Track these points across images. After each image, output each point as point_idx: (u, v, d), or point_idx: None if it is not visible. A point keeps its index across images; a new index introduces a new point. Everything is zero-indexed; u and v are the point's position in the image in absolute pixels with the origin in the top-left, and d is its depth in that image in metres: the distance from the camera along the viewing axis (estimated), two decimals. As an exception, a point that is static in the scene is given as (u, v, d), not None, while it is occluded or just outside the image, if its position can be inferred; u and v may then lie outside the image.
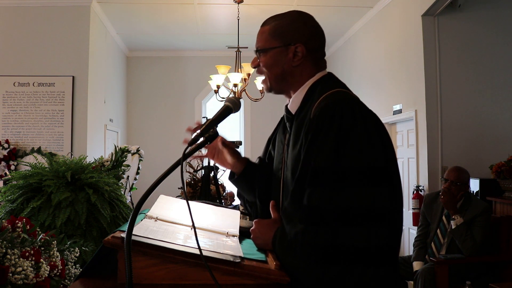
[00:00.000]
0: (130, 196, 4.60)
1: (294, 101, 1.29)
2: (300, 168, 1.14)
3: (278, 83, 1.30)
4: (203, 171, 4.17)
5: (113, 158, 2.95)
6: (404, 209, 4.69)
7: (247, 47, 5.91)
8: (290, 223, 1.12)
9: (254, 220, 1.27)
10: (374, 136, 1.09)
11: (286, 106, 1.32)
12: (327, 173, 1.07)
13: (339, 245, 1.03)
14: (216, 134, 1.08)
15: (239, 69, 5.27)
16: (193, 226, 1.01)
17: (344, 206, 1.04)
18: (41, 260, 1.57)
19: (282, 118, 1.39)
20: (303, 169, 1.13)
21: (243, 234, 1.31)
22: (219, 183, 4.79)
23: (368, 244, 1.03)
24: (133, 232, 0.95)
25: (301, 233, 1.06)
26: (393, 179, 1.10)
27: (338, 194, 1.05)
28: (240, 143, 3.92)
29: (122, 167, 2.94)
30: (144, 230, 1.08)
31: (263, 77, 1.33)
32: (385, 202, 1.06)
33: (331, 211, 1.05)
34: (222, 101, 4.94)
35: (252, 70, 5.04)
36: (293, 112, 1.29)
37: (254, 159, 1.55)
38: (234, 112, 1.17)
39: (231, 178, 1.49)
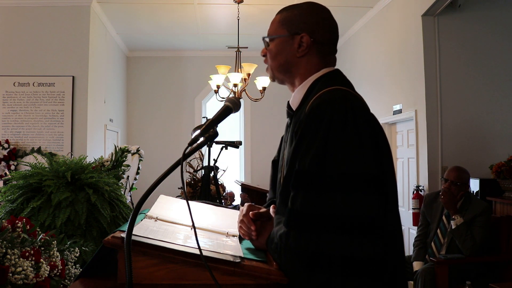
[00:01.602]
0: (130, 196, 4.61)
1: (295, 97, 1.26)
2: (287, 168, 1.12)
3: (280, 73, 1.27)
4: (203, 171, 4.17)
5: (113, 158, 2.95)
6: (404, 209, 4.67)
7: (247, 47, 5.91)
8: (279, 224, 1.10)
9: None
10: (366, 141, 1.04)
11: (288, 102, 1.29)
12: (311, 177, 1.03)
13: (319, 252, 0.99)
14: (216, 134, 1.07)
15: (239, 69, 5.27)
16: (193, 226, 1.01)
17: (326, 212, 1.00)
18: (41, 260, 1.57)
19: None
20: (289, 170, 1.10)
21: (243, 234, 1.30)
22: (219, 183, 4.79)
23: (350, 254, 0.98)
24: (133, 232, 0.95)
25: (284, 237, 1.04)
26: (385, 188, 1.05)
27: (321, 199, 1.01)
28: (240, 143, 3.92)
29: (122, 167, 2.94)
30: (144, 230, 1.08)
31: (266, 69, 1.32)
32: (372, 211, 1.00)
33: (313, 216, 1.01)
34: (222, 101, 4.94)
35: (252, 70, 5.04)
36: (293, 108, 1.26)
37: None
38: (234, 112, 1.16)
39: None
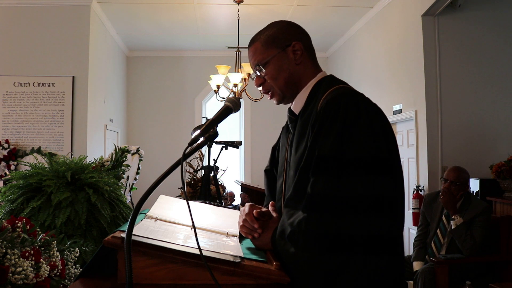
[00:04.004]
0: (130, 196, 4.60)
1: (297, 102, 1.29)
2: (305, 158, 1.15)
3: (289, 88, 1.29)
4: (203, 171, 4.17)
5: (113, 158, 2.95)
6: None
7: (247, 47, 5.91)
8: (293, 215, 1.12)
9: None
10: (377, 128, 1.11)
11: (289, 108, 1.32)
12: (331, 162, 1.08)
13: (341, 234, 1.03)
14: (216, 134, 1.07)
15: (239, 69, 5.27)
16: (193, 226, 1.01)
17: (347, 194, 1.05)
18: (41, 260, 1.57)
19: (284, 125, 1.40)
20: (308, 158, 1.14)
21: (243, 234, 1.30)
22: (219, 183, 4.80)
23: (370, 233, 1.04)
24: (133, 232, 0.95)
25: (304, 222, 1.07)
26: (395, 169, 1.12)
27: (342, 182, 1.06)
28: (240, 143, 3.93)
29: (122, 167, 2.93)
30: (144, 230, 1.08)
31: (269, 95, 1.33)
32: (388, 191, 1.07)
33: (334, 199, 1.05)
34: (222, 101, 4.94)
35: (252, 70, 5.04)
36: (296, 112, 1.29)
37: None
38: (234, 112, 1.17)
39: None
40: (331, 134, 1.10)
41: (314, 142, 1.13)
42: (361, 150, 1.08)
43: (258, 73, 1.30)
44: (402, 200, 1.15)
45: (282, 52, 1.27)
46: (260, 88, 1.33)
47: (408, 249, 4.74)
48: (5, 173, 4.93)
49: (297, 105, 1.29)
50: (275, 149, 1.47)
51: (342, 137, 1.09)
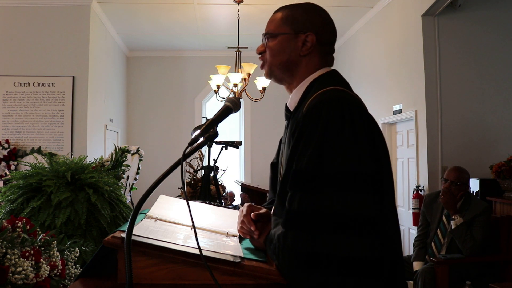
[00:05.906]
0: (130, 196, 4.61)
1: (293, 98, 1.25)
2: (285, 168, 1.11)
3: (280, 72, 1.25)
4: (203, 171, 4.17)
5: (113, 158, 2.95)
6: (404, 209, 4.66)
7: (247, 47, 5.91)
8: (277, 226, 1.09)
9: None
10: (364, 141, 1.04)
11: (286, 104, 1.28)
12: (308, 177, 1.02)
13: (317, 253, 0.98)
14: (216, 134, 1.07)
15: (239, 69, 5.27)
16: (193, 226, 1.01)
17: (324, 211, 0.99)
18: (41, 260, 1.57)
19: None
20: (287, 171, 1.10)
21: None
22: (219, 183, 4.79)
23: (347, 254, 0.97)
24: (133, 232, 0.95)
25: (282, 237, 1.03)
26: (383, 187, 1.05)
27: (318, 199, 1.00)
28: (240, 143, 3.93)
29: (122, 167, 2.93)
30: (144, 230, 1.08)
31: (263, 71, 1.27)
32: (370, 211, 1.00)
33: (310, 216, 1.00)
34: (222, 101, 4.94)
35: (252, 70, 5.04)
36: (291, 109, 1.25)
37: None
38: (234, 112, 1.16)
39: None
40: (310, 147, 1.03)
41: (293, 153, 1.07)
42: (342, 165, 1.00)
43: (263, 42, 1.27)
44: (390, 220, 1.08)
45: (293, 35, 1.21)
46: (260, 55, 1.29)
47: (408, 249, 4.74)
48: (5, 173, 4.94)
49: (292, 101, 1.25)
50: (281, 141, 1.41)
51: (322, 151, 1.02)
